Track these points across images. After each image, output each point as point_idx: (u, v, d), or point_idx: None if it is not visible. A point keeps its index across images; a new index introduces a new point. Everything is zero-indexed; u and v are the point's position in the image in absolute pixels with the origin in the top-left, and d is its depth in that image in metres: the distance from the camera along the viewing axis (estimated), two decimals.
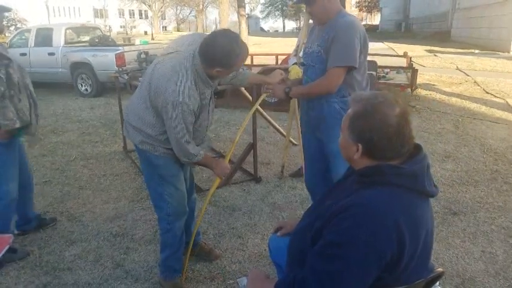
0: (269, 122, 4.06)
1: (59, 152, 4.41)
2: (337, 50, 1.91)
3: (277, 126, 4.14)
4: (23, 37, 8.51)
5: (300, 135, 3.47)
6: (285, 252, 1.28)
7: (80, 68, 7.75)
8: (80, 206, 3.11)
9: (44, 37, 8.13)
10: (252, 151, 3.51)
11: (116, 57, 7.22)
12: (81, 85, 7.85)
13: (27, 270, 2.30)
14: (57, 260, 2.40)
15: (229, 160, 2.08)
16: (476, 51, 12.56)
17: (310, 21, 3.27)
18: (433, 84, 7.63)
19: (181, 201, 2.01)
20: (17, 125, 2.19)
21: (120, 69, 5.54)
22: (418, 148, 1.14)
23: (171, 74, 1.67)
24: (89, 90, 7.82)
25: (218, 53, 1.64)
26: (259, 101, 2.27)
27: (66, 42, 8.11)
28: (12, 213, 2.44)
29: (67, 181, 3.60)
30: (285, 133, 3.89)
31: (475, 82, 7.71)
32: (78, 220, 2.88)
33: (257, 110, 2.52)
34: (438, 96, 6.73)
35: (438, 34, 18.77)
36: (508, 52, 11.73)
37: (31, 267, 2.33)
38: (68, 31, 8.34)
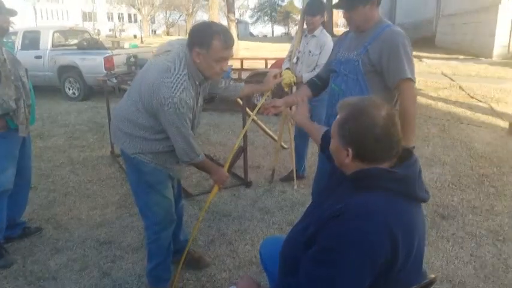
0: (261, 128, 4.05)
1: (45, 157, 4.31)
2: (402, 62, 1.79)
3: (268, 131, 4.13)
4: (10, 40, 8.35)
5: (292, 138, 3.48)
6: (277, 259, 1.26)
7: (67, 71, 7.64)
8: (66, 213, 3.03)
9: (31, 40, 7.98)
10: (243, 155, 3.49)
11: (104, 61, 7.14)
12: (69, 89, 7.74)
13: (10, 280, 2.23)
14: (42, 269, 2.33)
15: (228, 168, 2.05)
16: (461, 56, 12.79)
17: (304, 26, 3.29)
18: (419, 89, 7.72)
19: (169, 209, 1.96)
20: None
21: (109, 72, 5.49)
22: (409, 152, 1.14)
23: (165, 71, 1.65)
24: (77, 94, 7.70)
25: (195, 30, 1.67)
26: (257, 109, 2.22)
27: (53, 46, 7.98)
28: (3, 205, 2.40)
29: (53, 187, 3.52)
30: (275, 137, 3.89)
31: (460, 87, 7.84)
32: (63, 227, 2.81)
33: (250, 115, 2.48)
34: (424, 100, 6.81)
35: (423, 40, 19.07)
36: (491, 57, 11.98)
37: (14, 276, 2.26)
38: (55, 34, 8.21)
